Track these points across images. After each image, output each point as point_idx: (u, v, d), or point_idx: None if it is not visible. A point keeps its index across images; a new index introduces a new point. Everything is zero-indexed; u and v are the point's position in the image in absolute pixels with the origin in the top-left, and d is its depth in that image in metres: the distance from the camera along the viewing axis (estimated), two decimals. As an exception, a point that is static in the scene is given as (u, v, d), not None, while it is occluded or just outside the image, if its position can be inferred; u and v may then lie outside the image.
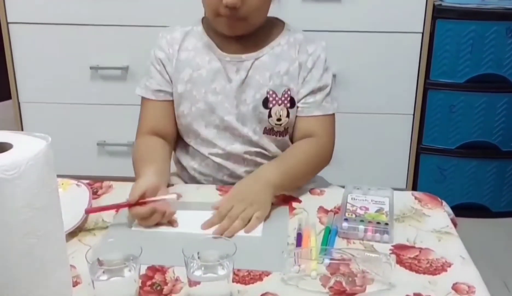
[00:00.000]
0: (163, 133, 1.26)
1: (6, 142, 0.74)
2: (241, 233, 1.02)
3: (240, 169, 1.25)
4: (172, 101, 1.26)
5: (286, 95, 1.23)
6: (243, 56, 1.23)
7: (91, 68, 2.25)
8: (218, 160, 1.25)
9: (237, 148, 1.24)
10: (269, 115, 1.22)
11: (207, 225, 1.04)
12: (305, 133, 1.25)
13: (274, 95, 1.22)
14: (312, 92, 1.24)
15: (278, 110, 1.22)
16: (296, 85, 1.24)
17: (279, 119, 1.23)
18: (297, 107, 1.24)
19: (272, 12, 1.26)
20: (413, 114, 2.26)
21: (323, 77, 1.25)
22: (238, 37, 1.22)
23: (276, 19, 1.29)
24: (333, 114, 1.27)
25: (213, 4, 1.16)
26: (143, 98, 1.28)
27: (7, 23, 2.20)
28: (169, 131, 1.27)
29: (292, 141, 1.28)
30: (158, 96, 1.26)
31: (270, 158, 1.26)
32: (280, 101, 1.22)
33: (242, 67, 1.23)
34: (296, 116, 1.25)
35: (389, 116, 2.27)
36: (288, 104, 1.23)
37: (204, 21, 1.28)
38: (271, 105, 1.22)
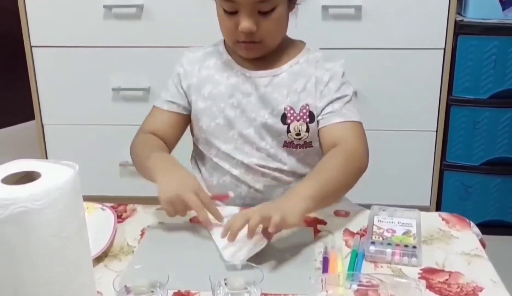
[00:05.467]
0: (162, 139, 1.29)
1: (34, 171, 0.74)
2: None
3: (258, 183, 1.26)
4: (181, 115, 1.30)
5: (304, 111, 1.23)
6: (261, 72, 1.26)
7: (113, 89, 2.27)
8: (236, 172, 1.26)
9: (255, 161, 1.25)
10: (288, 131, 1.23)
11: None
12: (331, 143, 1.20)
13: (292, 111, 1.23)
14: (330, 103, 1.23)
15: (297, 125, 1.23)
16: (314, 100, 1.24)
17: (298, 134, 1.24)
18: (317, 121, 1.24)
19: (292, 30, 1.27)
20: (436, 131, 2.24)
21: (341, 89, 1.24)
22: (258, 57, 1.25)
23: (297, 40, 1.32)
24: (359, 122, 1.23)
25: (230, 31, 1.20)
26: (154, 106, 1.33)
27: (31, 47, 2.24)
28: (169, 140, 1.30)
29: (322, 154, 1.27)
30: (169, 107, 1.30)
31: (287, 172, 1.26)
32: (298, 117, 1.23)
33: (260, 83, 1.25)
34: (318, 129, 1.24)
35: (412, 133, 2.25)
36: (308, 119, 1.23)
37: (226, 41, 1.31)
38: (289, 121, 1.23)
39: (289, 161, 1.26)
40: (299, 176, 1.27)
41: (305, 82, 1.25)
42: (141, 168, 1.22)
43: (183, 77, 1.30)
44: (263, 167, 1.25)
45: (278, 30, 1.22)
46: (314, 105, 1.24)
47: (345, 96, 1.24)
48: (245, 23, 1.15)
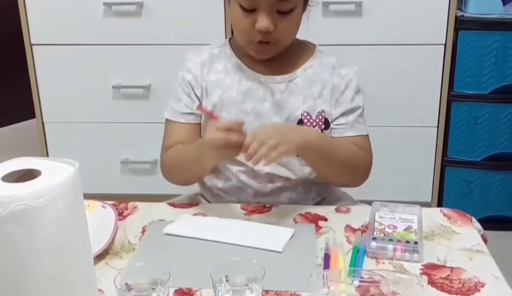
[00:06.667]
0: None
1: (34, 169, 0.74)
2: (262, 245, 1.01)
3: (264, 189, 1.24)
4: (199, 124, 1.26)
5: (320, 117, 1.22)
6: (277, 77, 1.23)
7: (113, 87, 2.27)
8: (243, 177, 1.24)
9: (265, 169, 1.21)
10: None
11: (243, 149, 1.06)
12: None
13: (308, 117, 1.21)
14: (344, 113, 1.24)
15: None
16: (329, 107, 1.23)
17: None
18: (331, 128, 1.24)
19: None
20: (437, 127, 2.23)
21: (355, 99, 1.25)
22: (269, 59, 1.22)
23: (307, 42, 1.30)
24: (367, 135, 1.27)
25: (245, 30, 1.16)
26: (169, 120, 1.27)
27: (31, 45, 2.24)
28: None
29: None
30: (187, 119, 1.25)
31: (296, 179, 1.24)
32: (314, 123, 1.22)
33: (276, 88, 1.22)
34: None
35: (413, 129, 2.25)
36: (323, 126, 1.22)
37: (232, 42, 1.28)
38: (305, 127, 1.21)
39: (299, 169, 1.24)
40: (307, 182, 1.25)
41: (321, 88, 1.23)
42: (189, 164, 1.21)
43: (194, 84, 1.24)
44: (273, 174, 1.23)
45: (294, 30, 1.20)
46: (329, 112, 1.23)
47: (358, 108, 1.25)
48: (264, 22, 1.12)
